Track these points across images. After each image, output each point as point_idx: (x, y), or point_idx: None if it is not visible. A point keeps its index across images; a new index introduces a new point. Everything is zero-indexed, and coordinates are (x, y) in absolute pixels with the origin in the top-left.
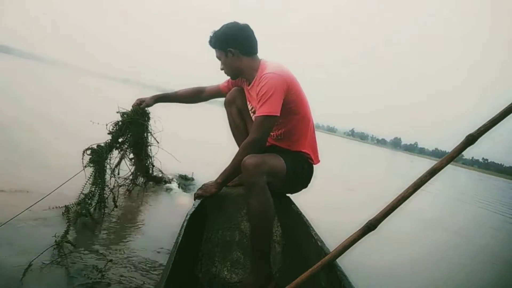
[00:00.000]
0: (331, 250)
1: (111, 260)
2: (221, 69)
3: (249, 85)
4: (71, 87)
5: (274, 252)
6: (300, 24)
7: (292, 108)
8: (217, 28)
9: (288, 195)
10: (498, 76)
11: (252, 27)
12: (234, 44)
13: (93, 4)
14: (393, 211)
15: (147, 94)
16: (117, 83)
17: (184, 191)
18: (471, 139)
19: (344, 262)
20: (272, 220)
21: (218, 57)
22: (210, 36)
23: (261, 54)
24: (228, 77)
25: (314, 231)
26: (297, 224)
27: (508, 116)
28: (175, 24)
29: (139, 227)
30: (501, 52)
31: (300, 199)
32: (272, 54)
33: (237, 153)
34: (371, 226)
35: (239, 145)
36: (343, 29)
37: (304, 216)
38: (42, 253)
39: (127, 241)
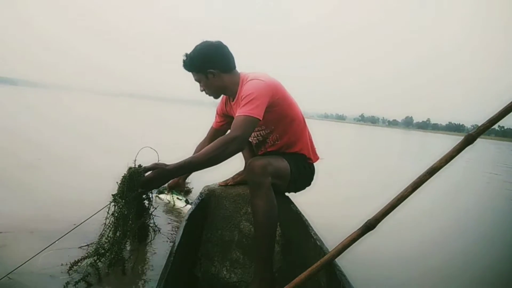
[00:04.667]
0: (330, 250)
1: None
2: (201, 91)
3: (233, 101)
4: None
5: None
6: (300, 25)
7: (281, 113)
8: (190, 49)
9: (287, 194)
10: (504, 43)
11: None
12: (214, 64)
13: (86, 27)
14: (392, 211)
15: (155, 105)
16: (124, 98)
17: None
18: (470, 139)
19: (343, 261)
20: (276, 221)
21: (198, 80)
22: (184, 60)
23: (260, 57)
24: (215, 112)
25: (313, 230)
26: (296, 223)
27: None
28: (169, 38)
29: None
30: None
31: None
32: (273, 57)
33: (213, 147)
34: (370, 226)
35: (243, 152)
36: (346, 22)
37: (303, 216)
38: None
39: None
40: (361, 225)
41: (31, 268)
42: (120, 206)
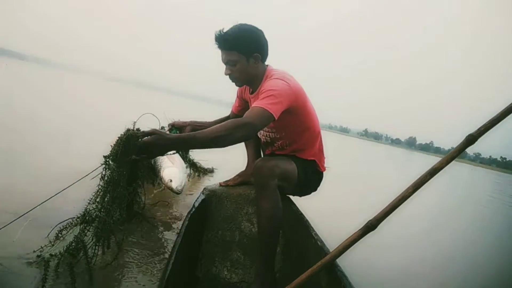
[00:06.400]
0: (331, 250)
1: None
2: (228, 73)
3: (252, 93)
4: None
5: None
6: (306, 30)
7: (296, 121)
8: (224, 28)
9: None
10: (502, 71)
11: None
12: (259, 49)
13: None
14: (393, 211)
15: (160, 96)
16: (131, 86)
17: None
18: (471, 139)
19: (344, 262)
20: (280, 223)
21: (233, 61)
22: (224, 36)
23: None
24: (235, 96)
25: (314, 231)
26: (297, 224)
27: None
28: (170, 30)
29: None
30: (504, 46)
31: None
32: (279, 60)
33: (221, 128)
34: (371, 226)
35: (248, 151)
36: (351, 32)
37: (304, 216)
38: None
39: None
40: (362, 226)
41: (11, 239)
42: (112, 169)
